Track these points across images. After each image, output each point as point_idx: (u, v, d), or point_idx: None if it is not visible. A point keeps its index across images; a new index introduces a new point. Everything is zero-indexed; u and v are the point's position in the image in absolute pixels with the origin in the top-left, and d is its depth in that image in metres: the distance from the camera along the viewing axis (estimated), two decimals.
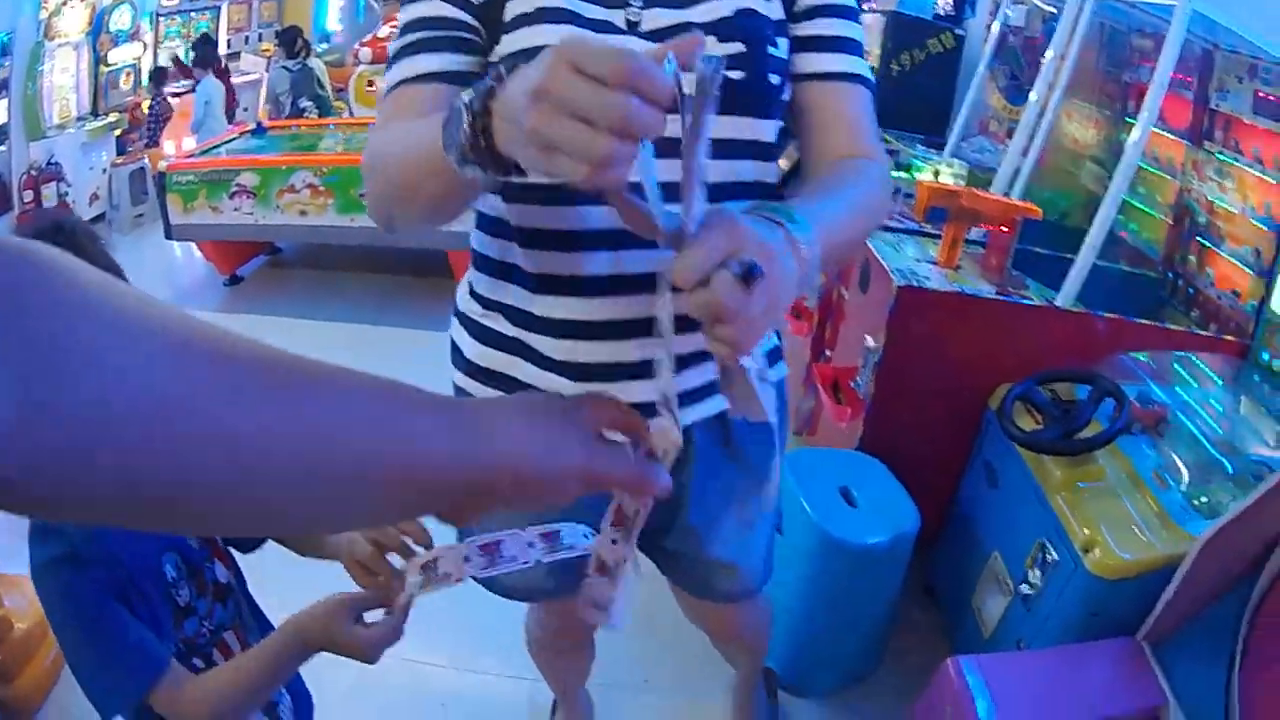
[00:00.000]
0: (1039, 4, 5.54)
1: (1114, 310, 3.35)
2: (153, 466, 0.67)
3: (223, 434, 0.70)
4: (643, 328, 1.59)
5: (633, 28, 1.55)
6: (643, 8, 1.56)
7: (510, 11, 1.54)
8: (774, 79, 1.61)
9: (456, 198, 1.31)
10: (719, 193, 1.30)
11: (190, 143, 9.01)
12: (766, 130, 1.65)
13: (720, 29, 1.53)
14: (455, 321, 1.92)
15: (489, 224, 1.75)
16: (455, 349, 1.91)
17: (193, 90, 9.51)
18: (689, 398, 1.77)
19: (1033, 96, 4.61)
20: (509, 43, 1.53)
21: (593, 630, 2.69)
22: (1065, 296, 3.35)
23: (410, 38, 1.57)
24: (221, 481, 0.72)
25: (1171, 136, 4.05)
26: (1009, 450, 3.11)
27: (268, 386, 0.75)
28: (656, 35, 1.52)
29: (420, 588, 1.33)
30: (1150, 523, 2.64)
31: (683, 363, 1.65)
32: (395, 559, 1.65)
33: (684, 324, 1.01)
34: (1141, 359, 3.28)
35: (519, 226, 1.64)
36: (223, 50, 11.75)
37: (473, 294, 1.87)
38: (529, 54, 0.99)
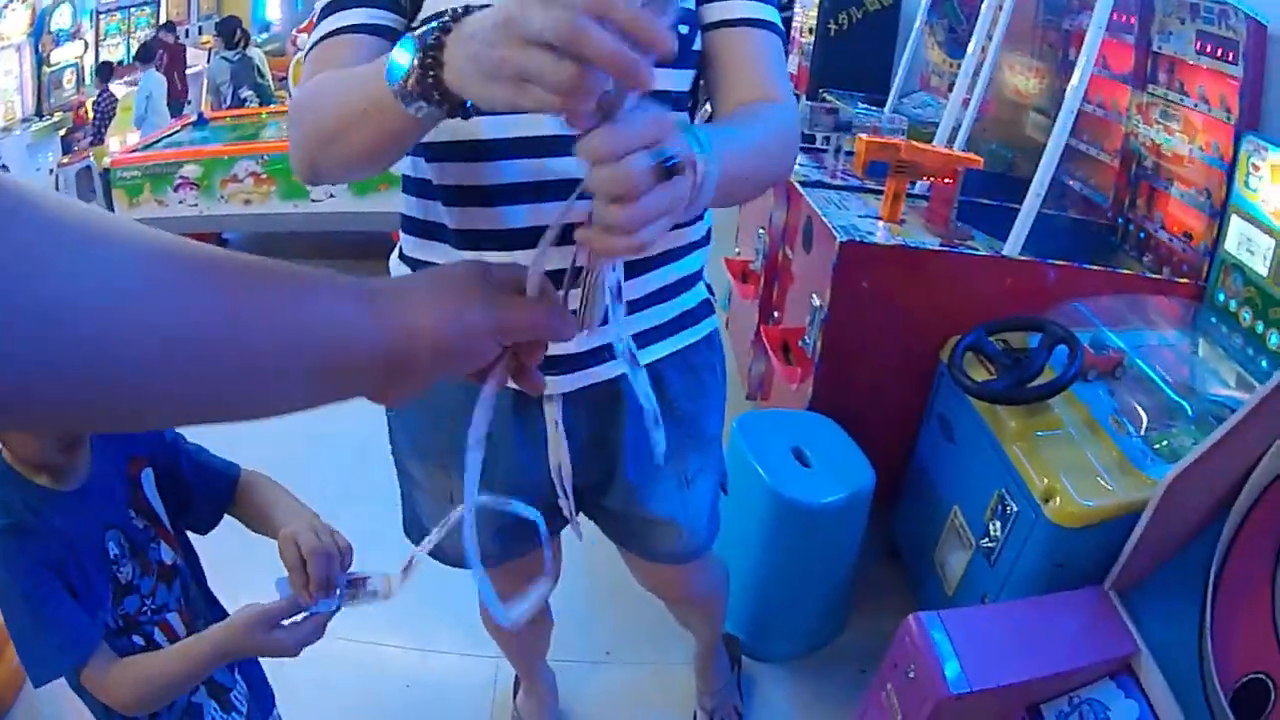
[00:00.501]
0: None
1: (1065, 258, 3.32)
2: (97, 360, 0.70)
3: (157, 327, 0.73)
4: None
5: None
6: None
7: None
8: (683, 29, 1.61)
9: (390, 142, 1.27)
10: None
11: (135, 138, 8.91)
12: (678, 80, 1.68)
13: None
14: None
15: (414, 186, 1.77)
16: None
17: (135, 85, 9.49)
18: (608, 350, 1.72)
19: (970, 48, 4.57)
20: (429, 6, 1.54)
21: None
22: (1012, 245, 3.31)
23: None
24: (160, 372, 0.75)
25: (1115, 80, 4.01)
26: (962, 402, 3.08)
27: (198, 282, 0.77)
28: None
29: (347, 601, 1.46)
30: (1111, 469, 2.61)
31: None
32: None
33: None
34: (1095, 305, 3.25)
35: (441, 184, 1.66)
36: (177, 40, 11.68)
37: (401, 256, 1.89)
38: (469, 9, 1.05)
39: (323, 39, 1.54)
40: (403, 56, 1.06)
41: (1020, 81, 4.93)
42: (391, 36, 1.52)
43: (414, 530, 2.24)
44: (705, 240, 1.97)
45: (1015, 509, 2.72)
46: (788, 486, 3.01)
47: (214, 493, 1.95)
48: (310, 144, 1.40)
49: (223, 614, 1.98)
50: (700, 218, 1.89)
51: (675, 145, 0.97)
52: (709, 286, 2.05)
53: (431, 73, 1.02)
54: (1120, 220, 3.92)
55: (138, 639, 1.75)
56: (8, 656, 3.15)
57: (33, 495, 1.63)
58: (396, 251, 1.92)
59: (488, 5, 0.96)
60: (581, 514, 2.14)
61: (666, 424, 1.79)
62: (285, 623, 1.58)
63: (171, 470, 1.90)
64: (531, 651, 2.99)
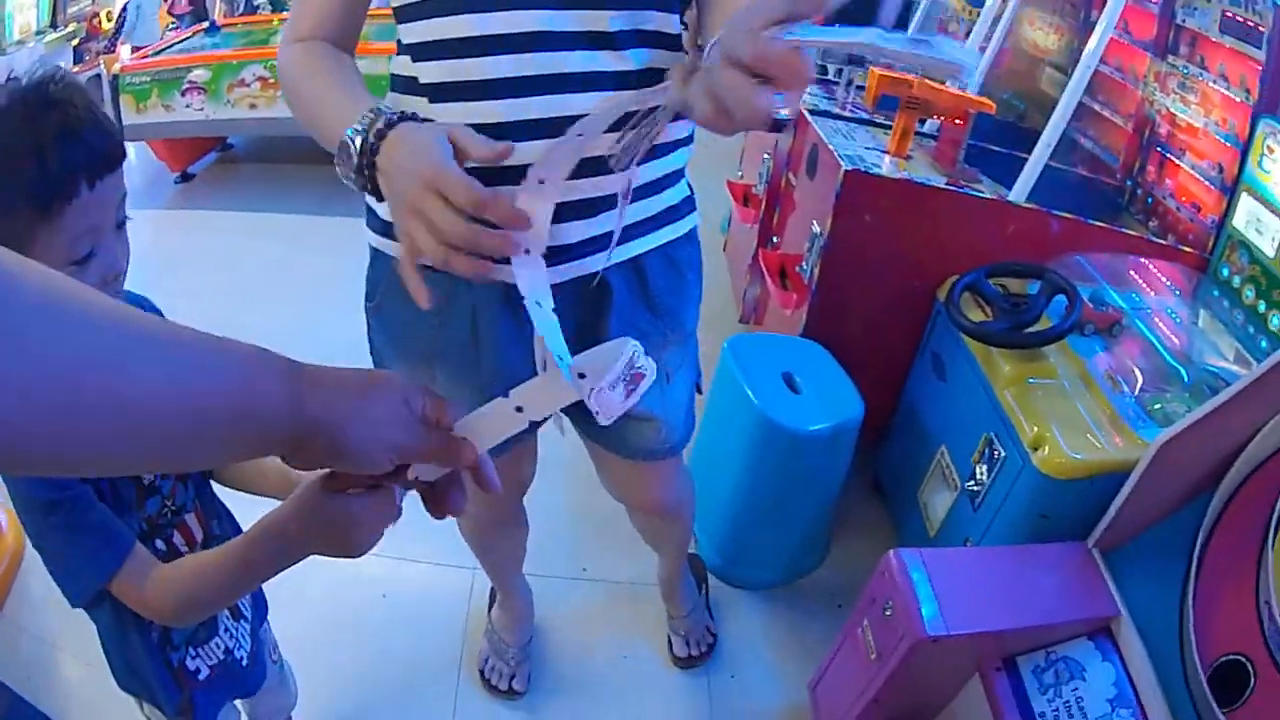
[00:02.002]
0: None
1: (1070, 213, 3.30)
2: (64, 425, 0.76)
3: (119, 396, 0.80)
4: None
5: None
6: None
7: None
8: None
9: None
10: (627, 84, 1.60)
11: (126, 51, 8.88)
12: (673, 24, 1.70)
13: None
14: None
15: (401, 85, 1.81)
16: (369, 211, 1.92)
17: None
18: (598, 242, 1.79)
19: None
20: None
21: (519, 497, 2.67)
22: (1019, 192, 3.29)
23: None
24: (114, 435, 0.81)
25: (1135, 45, 3.97)
26: (957, 342, 3.08)
27: (150, 354, 0.84)
28: None
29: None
30: (1101, 424, 2.62)
31: (591, 206, 1.73)
32: None
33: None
34: (1097, 261, 3.25)
35: (426, 83, 1.69)
36: None
37: None
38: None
39: None
40: (345, 156, 1.36)
41: (1040, 36, 4.88)
42: None
43: None
44: (689, 140, 1.96)
45: (1003, 454, 2.72)
46: (776, 411, 3.01)
47: None
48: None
49: (232, 519, 1.98)
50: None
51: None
52: (689, 184, 2.04)
53: (368, 172, 1.35)
54: (1129, 183, 3.90)
55: (159, 543, 1.73)
56: None
57: None
58: None
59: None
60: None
61: (649, 318, 1.93)
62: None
63: None
64: (509, 560, 2.99)
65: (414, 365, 1.99)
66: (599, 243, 1.78)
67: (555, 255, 1.75)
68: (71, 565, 1.54)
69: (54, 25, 9.71)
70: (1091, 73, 3.34)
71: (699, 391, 2.32)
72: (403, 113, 1.36)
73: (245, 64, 6.93)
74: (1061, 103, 3.31)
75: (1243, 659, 1.99)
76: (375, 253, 1.95)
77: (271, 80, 6.81)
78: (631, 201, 1.81)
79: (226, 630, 1.95)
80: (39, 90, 1.33)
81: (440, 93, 1.66)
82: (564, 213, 1.69)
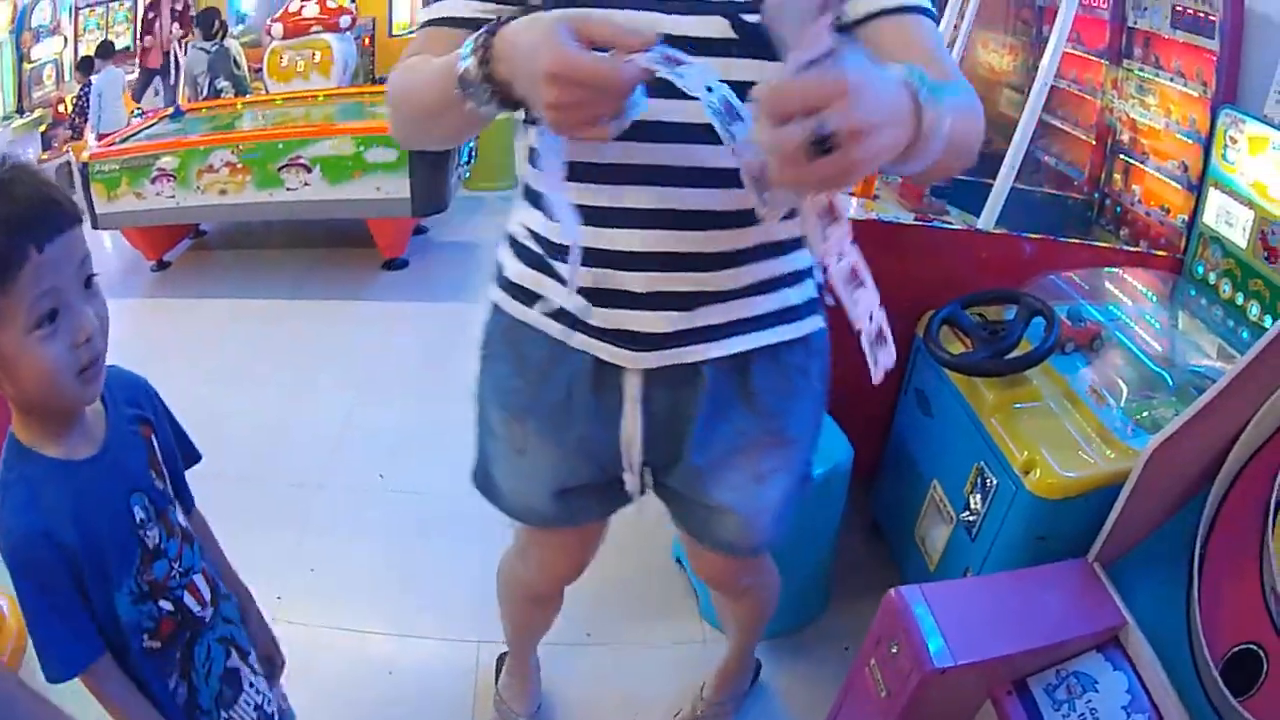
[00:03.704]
0: None
1: (1041, 233, 3.31)
2: None
3: None
4: (663, 262, 1.74)
5: None
6: None
7: None
8: (750, 17, 1.59)
9: (465, 127, 1.66)
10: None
11: (92, 138, 8.98)
12: (772, 72, 1.62)
13: None
14: (503, 243, 2.00)
15: (534, 156, 1.81)
16: (498, 267, 2.00)
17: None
18: (702, 334, 1.82)
19: (941, 25, 4.53)
20: None
21: (568, 579, 2.63)
22: (986, 219, 3.30)
23: None
24: None
25: (1090, 57, 4.01)
26: (939, 376, 3.08)
27: None
28: None
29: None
30: (1091, 440, 2.62)
31: (696, 299, 1.78)
32: None
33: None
34: (1072, 278, 3.25)
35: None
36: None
37: (519, 220, 1.95)
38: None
39: (427, 24, 1.77)
40: (465, 54, 1.40)
41: (994, 59, 4.94)
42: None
43: (481, 479, 2.28)
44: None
45: (995, 482, 2.72)
46: None
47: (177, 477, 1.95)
48: (406, 130, 1.79)
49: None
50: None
51: (849, 111, 1.00)
52: (822, 286, 1.97)
53: (485, 67, 1.37)
54: (1097, 195, 3.93)
55: (165, 604, 1.74)
56: None
57: (52, 469, 1.59)
58: (516, 214, 1.98)
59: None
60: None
61: (748, 418, 1.93)
62: None
63: (165, 438, 1.89)
64: (536, 633, 2.98)
65: (510, 416, 2.06)
66: (698, 334, 1.82)
67: (648, 342, 1.83)
68: (47, 653, 1.58)
69: (20, 111, 9.75)
70: (1048, 89, 3.36)
71: (804, 491, 2.32)
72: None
73: (213, 149, 7.00)
74: (1020, 124, 3.33)
75: (1254, 647, 1.99)
76: (495, 307, 2.00)
77: (240, 165, 6.90)
78: (745, 297, 1.83)
79: (252, 685, 1.96)
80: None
81: None
82: (661, 302, 1.77)
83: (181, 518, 1.87)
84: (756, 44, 1.45)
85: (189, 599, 1.80)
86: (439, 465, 4.35)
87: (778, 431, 2.03)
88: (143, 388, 1.89)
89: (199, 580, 1.84)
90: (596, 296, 1.80)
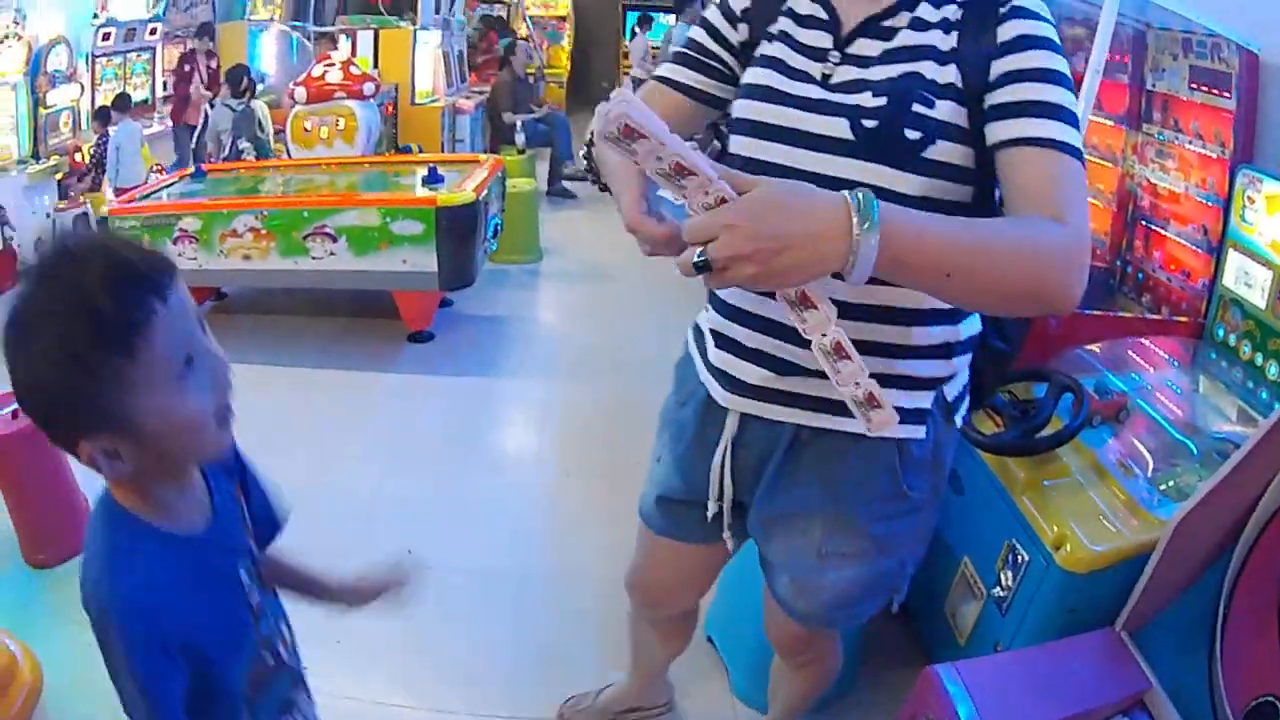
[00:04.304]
0: None
1: None
2: None
3: None
4: (764, 326, 1.97)
5: (825, 79, 1.87)
6: (837, 64, 1.87)
7: (757, 53, 2.00)
8: (912, 134, 1.75)
9: None
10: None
11: (110, 192, 8.99)
12: (904, 183, 1.77)
13: (879, 87, 1.79)
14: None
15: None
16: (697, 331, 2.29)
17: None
18: (790, 398, 2.00)
19: None
20: (747, 76, 2.00)
21: (658, 597, 2.77)
22: None
23: (680, 49, 2.17)
24: None
25: (1110, 123, 4.05)
26: (971, 455, 3.07)
27: None
28: (842, 88, 1.84)
29: None
30: (1118, 512, 2.64)
31: (788, 366, 1.96)
32: None
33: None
34: (1096, 350, 3.27)
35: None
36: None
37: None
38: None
39: (652, 79, 2.20)
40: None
41: None
42: (698, 97, 2.13)
43: (644, 504, 2.51)
44: (940, 351, 1.98)
45: (1026, 558, 2.73)
46: None
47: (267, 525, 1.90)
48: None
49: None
50: (927, 320, 1.92)
51: (715, 246, 1.38)
52: (944, 409, 2.04)
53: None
54: (1118, 262, 3.95)
55: (267, 655, 1.75)
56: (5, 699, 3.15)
57: (168, 544, 1.54)
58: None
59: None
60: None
61: (818, 489, 2.10)
62: None
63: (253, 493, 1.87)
64: (640, 642, 3.04)
65: (661, 426, 2.41)
66: (785, 397, 2.00)
67: (746, 390, 2.06)
68: None
69: (36, 156, 9.74)
70: None
71: (891, 610, 2.38)
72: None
73: (237, 213, 6.95)
74: None
75: (1273, 699, 2.03)
76: (687, 352, 2.32)
77: (264, 231, 6.85)
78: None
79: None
80: (69, 250, 1.37)
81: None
82: (758, 358, 2.00)
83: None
84: (870, 148, 1.77)
85: (281, 649, 1.81)
86: (467, 540, 4.40)
87: (848, 518, 2.08)
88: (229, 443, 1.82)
89: (284, 630, 1.86)
90: (717, 339, 2.12)
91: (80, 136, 10.33)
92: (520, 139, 11.77)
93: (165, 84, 11.99)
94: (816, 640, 2.55)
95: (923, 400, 1.98)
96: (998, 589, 2.86)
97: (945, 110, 1.75)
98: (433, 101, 13.23)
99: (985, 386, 2.22)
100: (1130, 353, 3.27)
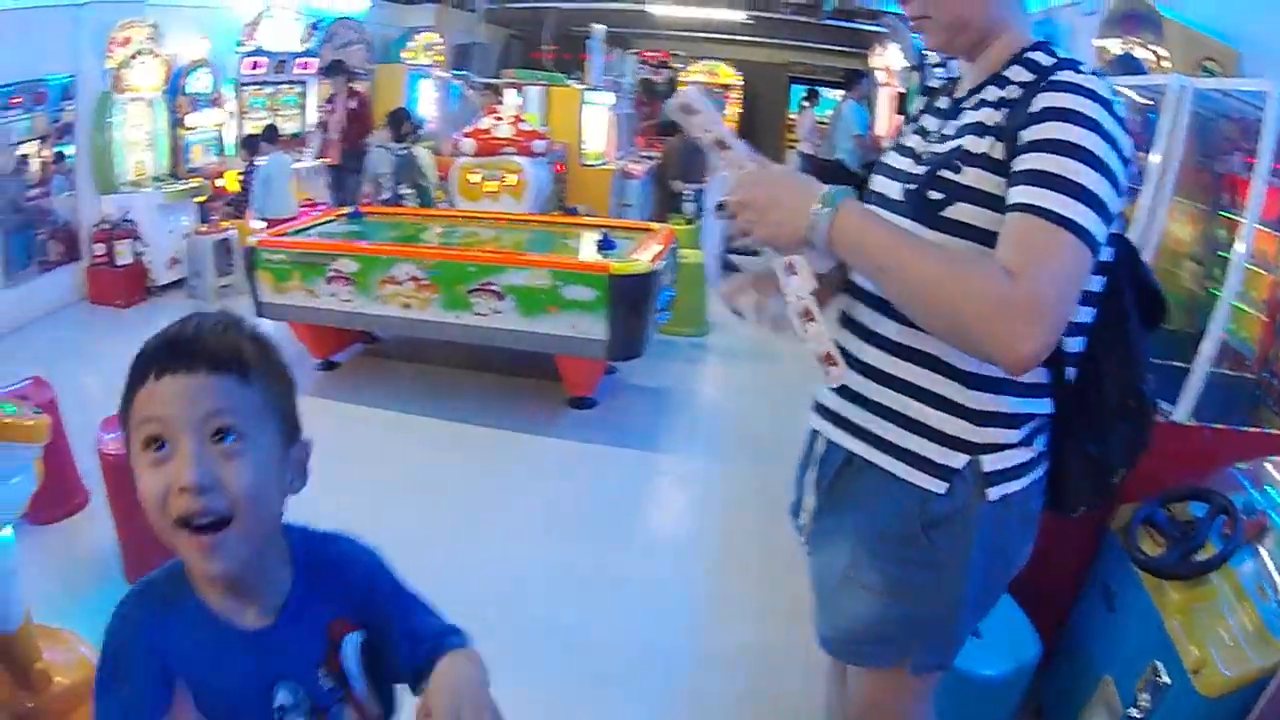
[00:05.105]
0: (1133, 95, 5.28)
1: (1212, 418, 3.31)
2: None
3: None
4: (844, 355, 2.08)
5: (917, 156, 2.21)
6: (933, 143, 2.18)
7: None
8: (934, 194, 2.04)
9: None
10: None
11: (253, 220, 9.23)
12: (929, 237, 2.00)
13: (927, 158, 2.14)
14: None
15: None
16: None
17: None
18: (848, 425, 2.27)
19: (1143, 200, 4.53)
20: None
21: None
22: (1183, 410, 3.31)
23: None
24: None
25: (1266, 230, 3.98)
26: (1129, 573, 3.10)
27: None
28: (915, 161, 2.20)
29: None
30: (1249, 636, 2.64)
31: (850, 394, 2.24)
32: None
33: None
34: (1241, 467, 3.25)
35: None
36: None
37: None
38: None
39: None
40: None
41: (1176, 228, 4.85)
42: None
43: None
44: (973, 416, 2.09)
45: (1168, 681, 2.75)
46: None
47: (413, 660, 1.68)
48: None
49: None
50: (968, 381, 2.06)
51: (731, 196, 1.99)
52: (978, 476, 2.11)
53: None
54: (1265, 374, 3.92)
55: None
56: (75, 714, 3.33)
57: (200, 613, 1.55)
58: None
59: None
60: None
61: (862, 518, 2.26)
62: None
63: (381, 632, 1.71)
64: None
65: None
66: (846, 424, 2.28)
67: (822, 412, 2.38)
68: None
69: (174, 175, 9.91)
70: (1243, 270, 3.36)
71: (934, 669, 2.40)
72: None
73: (397, 261, 7.00)
74: (1216, 312, 3.37)
75: None
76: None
77: (427, 282, 6.88)
78: (878, 415, 2.20)
79: None
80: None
81: None
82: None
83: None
84: (914, 208, 2.07)
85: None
86: (616, 616, 4.44)
87: (871, 548, 2.23)
88: (362, 583, 1.72)
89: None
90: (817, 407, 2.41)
91: (226, 161, 10.51)
92: (690, 208, 11.70)
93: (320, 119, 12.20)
94: (871, 678, 2.46)
95: (951, 459, 2.11)
96: (1134, 709, 2.87)
97: (970, 176, 1.98)
98: (603, 164, 13.22)
99: (1070, 488, 2.29)
100: (1268, 466, 3.21)
